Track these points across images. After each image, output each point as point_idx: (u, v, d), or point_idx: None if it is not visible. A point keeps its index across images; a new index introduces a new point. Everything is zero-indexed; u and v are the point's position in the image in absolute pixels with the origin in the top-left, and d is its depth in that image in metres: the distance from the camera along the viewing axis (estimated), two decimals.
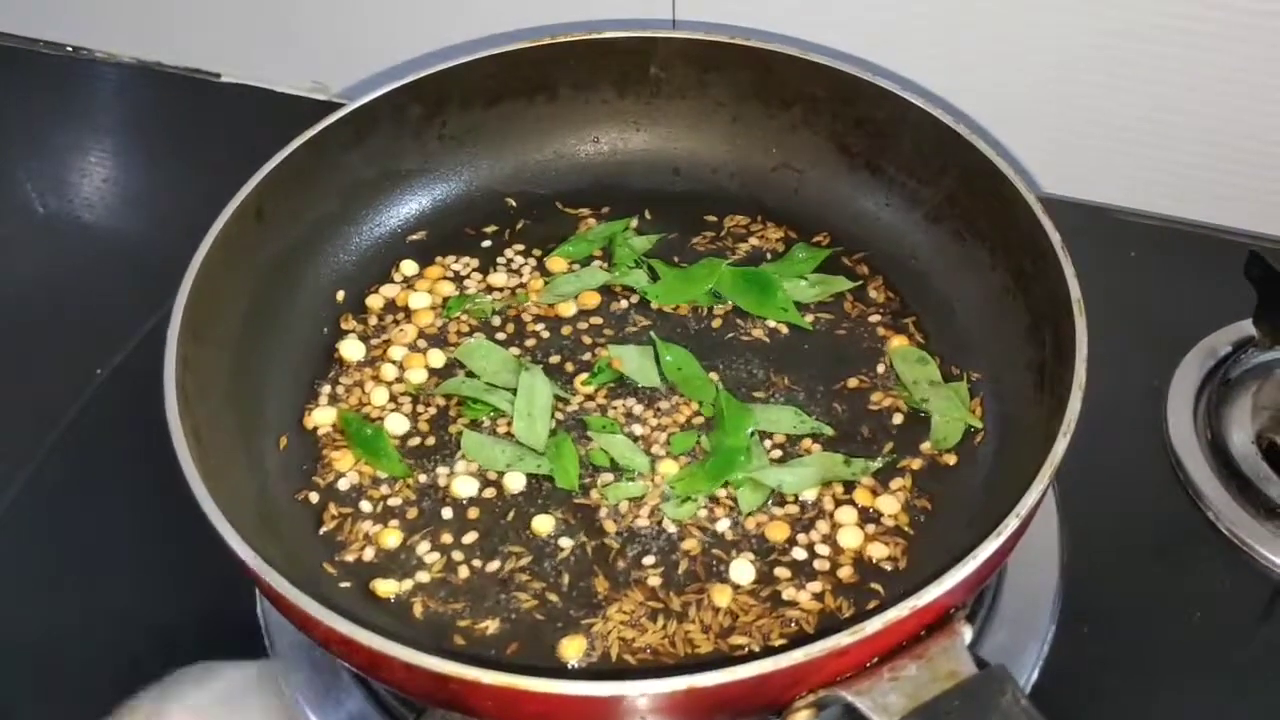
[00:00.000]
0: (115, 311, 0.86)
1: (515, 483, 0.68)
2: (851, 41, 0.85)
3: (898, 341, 0.73)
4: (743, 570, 0.64)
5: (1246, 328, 0.79)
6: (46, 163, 1.02)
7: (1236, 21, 0.78)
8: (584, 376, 0.72)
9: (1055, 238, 0.66)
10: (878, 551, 0.65)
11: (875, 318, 0.75)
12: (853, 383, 0.72)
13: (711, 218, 0.80)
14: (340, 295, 0.77)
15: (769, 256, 0.78)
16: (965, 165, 0.72)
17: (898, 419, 0.70)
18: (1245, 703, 0.66)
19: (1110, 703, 0.66)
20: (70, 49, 1.09)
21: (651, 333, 0.74)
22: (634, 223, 0.80)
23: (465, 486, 0.68)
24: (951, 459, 0.68)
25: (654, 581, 0.64)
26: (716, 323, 0.75)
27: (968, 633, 0.56)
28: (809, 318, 0.75)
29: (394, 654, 0.52)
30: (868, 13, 0.85)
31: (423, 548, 0.65)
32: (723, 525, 0.66)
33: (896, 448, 0.69)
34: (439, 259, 0.79)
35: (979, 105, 0.85)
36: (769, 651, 0.60)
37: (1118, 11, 0.80)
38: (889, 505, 0.66)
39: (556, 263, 0.78)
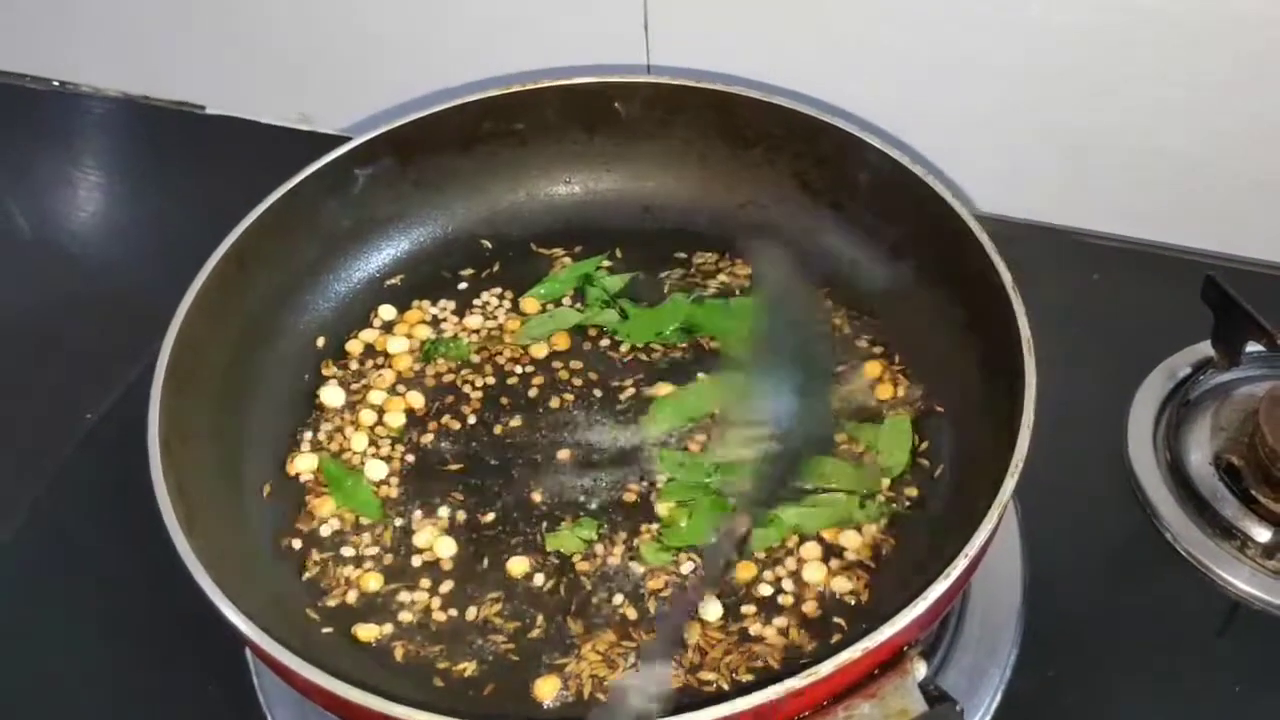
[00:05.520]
0: (105, 352, 0.88)
1: None
2: (816, 83, 0.86)
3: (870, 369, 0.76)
4: (710, 607, 0.66)
5: (1206, 349, 0.81)
6: (35, 197, 1.03)
7: (1191, 43, 0.80)
8: None
9: (1006, 277, 0.68)
10: (841, 585, 0.67)
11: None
12: None
13: (681, 254, 0.82)
14: (320, 341, 0.79)
15: (738, 292, 0.80)
16: (922, 204, 0.74)
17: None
18: None
19: None
20: (57, 83, 1.10)
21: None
22: (605, 261, 0.82)
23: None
24: (913, 492, 0.70)
25: (625, 620, 0.66)
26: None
27: (920, 670, 0.58)
28: None
29: (370, 705, 0.55)
30: (830, 53, 0.87)
31: (402, 592, 0.68)
32: (689, 566, 0.68)
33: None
34: (416, 303, 0.81)
35: (937, 131, 0.87)
36: (736, 686, 0.63)
37: (1074, 35, 0.82)
38: (853, 540, 0.68)
39: (530, 304, 0.80)
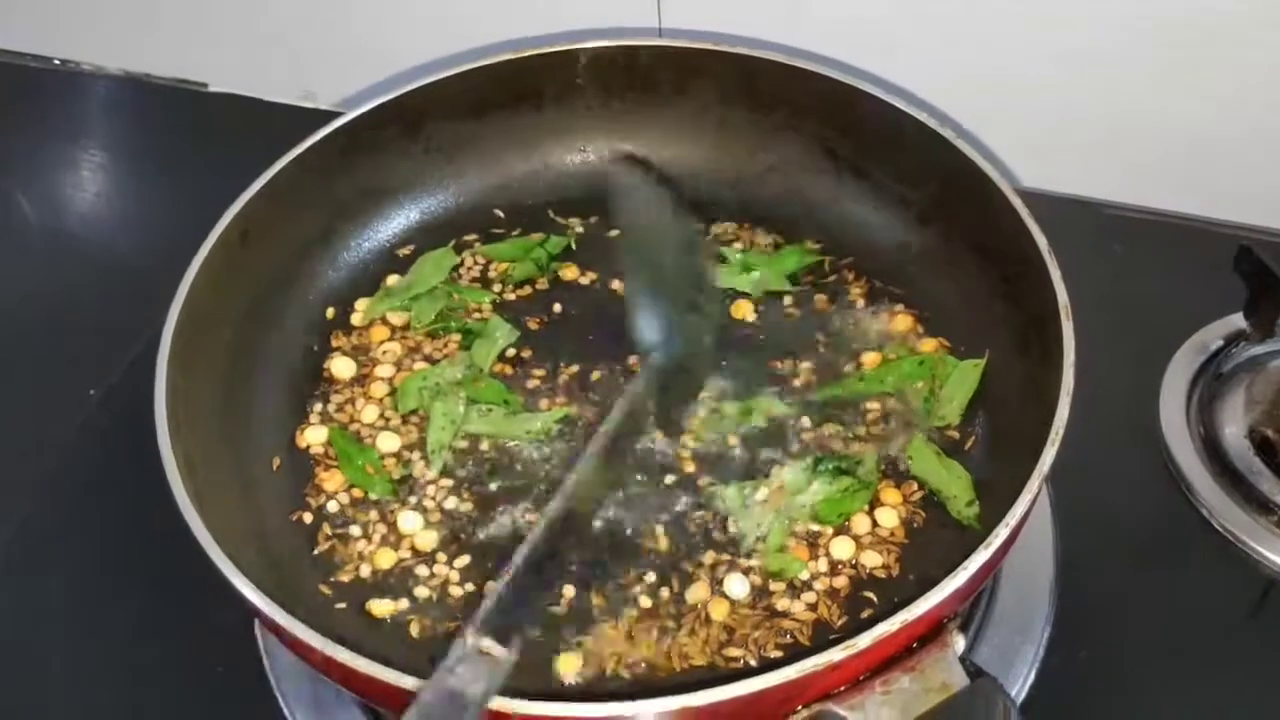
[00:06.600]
0: (107, 329, 0.86)
1: None
2: (835, 45, 0.85)
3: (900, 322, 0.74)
4: (738, 584, 0.64)
5: (1238, 321, 0.79)
6: (36, 177, 1.02)
7: (1220, 14, 0.78)
8: None
9: (1042, 242, 0.66)
10: (870, 560, 0.65)
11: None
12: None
13: (699, 225, 0.80)
14: (330, 312, 0.77)
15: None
16: (950, 169, 0.72)
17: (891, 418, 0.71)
18: (1242, 698, 0.67)
19: (1106, 704, 0.67)
20: (58, 61, 1.09)
21: None
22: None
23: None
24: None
25: (650, 595, 0.64)
26: None
27: (959, 643, 0.56)
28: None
29: (390, 680, 0.52)
30: (851, 16, 0.85)
31: (418, 566, 0.66)
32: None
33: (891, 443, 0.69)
34: None
35: (963, 102, 0.85)
36: (764, 663, 0.61)
37: (1102, 7, 0.80)
38: (883, 515, 0.66)
39: None
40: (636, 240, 0.62)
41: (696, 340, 0.64)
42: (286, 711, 0.67)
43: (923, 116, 0.73)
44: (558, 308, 0.77)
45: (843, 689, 0.54)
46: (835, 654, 0.52)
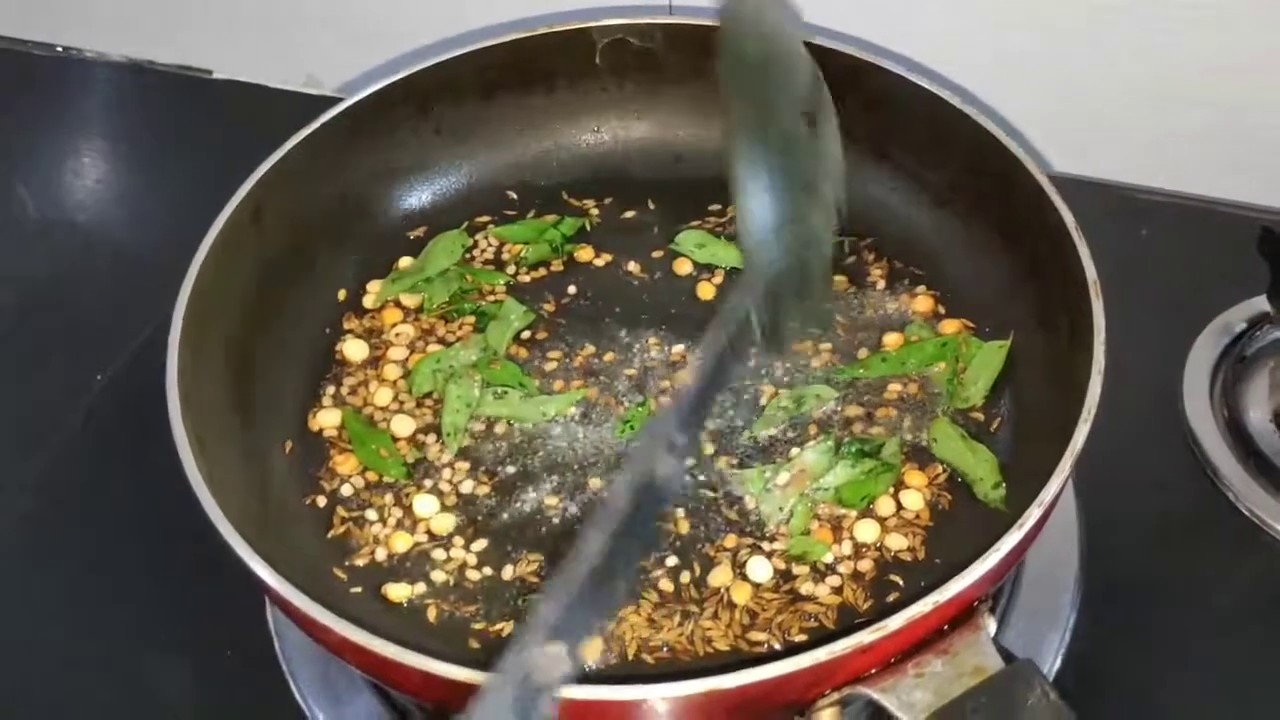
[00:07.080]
0: (114, 315, 0.86)
1: None
2: (854, 22, 0.83)
3: (921, 303, 0.73)
4: (760, 568, 0.63)
5: (1261, 304, 0.78)
6: (39, 165, 1.01)
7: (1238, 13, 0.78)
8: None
9: (1069, 219, 0.65)
10: (896, 543, 0.64)
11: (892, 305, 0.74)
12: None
13: (716, 205, 0.79)
14: (341, 294, 0.76)
15: None
16: (973, 148, 0.71)
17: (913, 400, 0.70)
18: (1269, 682, 0.66)
19: (1133, 687, 0.66)
20: (60, 49, 1.08)
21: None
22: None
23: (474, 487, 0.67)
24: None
25: (671, 580, 0.63)
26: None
27: (992, 625, 0.55)
28: None
29: (410, 662, 0.51)
30: None
31: (435, 550, 0.65)
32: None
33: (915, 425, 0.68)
34: None
35: (984, 84, 0.84)
36: (789, 647, 0.60)
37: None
38: (908, 497, 0.65)
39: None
40: (747, 89, 0.47)
41: (813, 231, 0.48)
42: (297, 692, 0.66)
43: (944, 94, 0.72)
44: (572, 289, 0.76)
45: (873, 672, 0.53)
46: (866, 636, 0.51)
